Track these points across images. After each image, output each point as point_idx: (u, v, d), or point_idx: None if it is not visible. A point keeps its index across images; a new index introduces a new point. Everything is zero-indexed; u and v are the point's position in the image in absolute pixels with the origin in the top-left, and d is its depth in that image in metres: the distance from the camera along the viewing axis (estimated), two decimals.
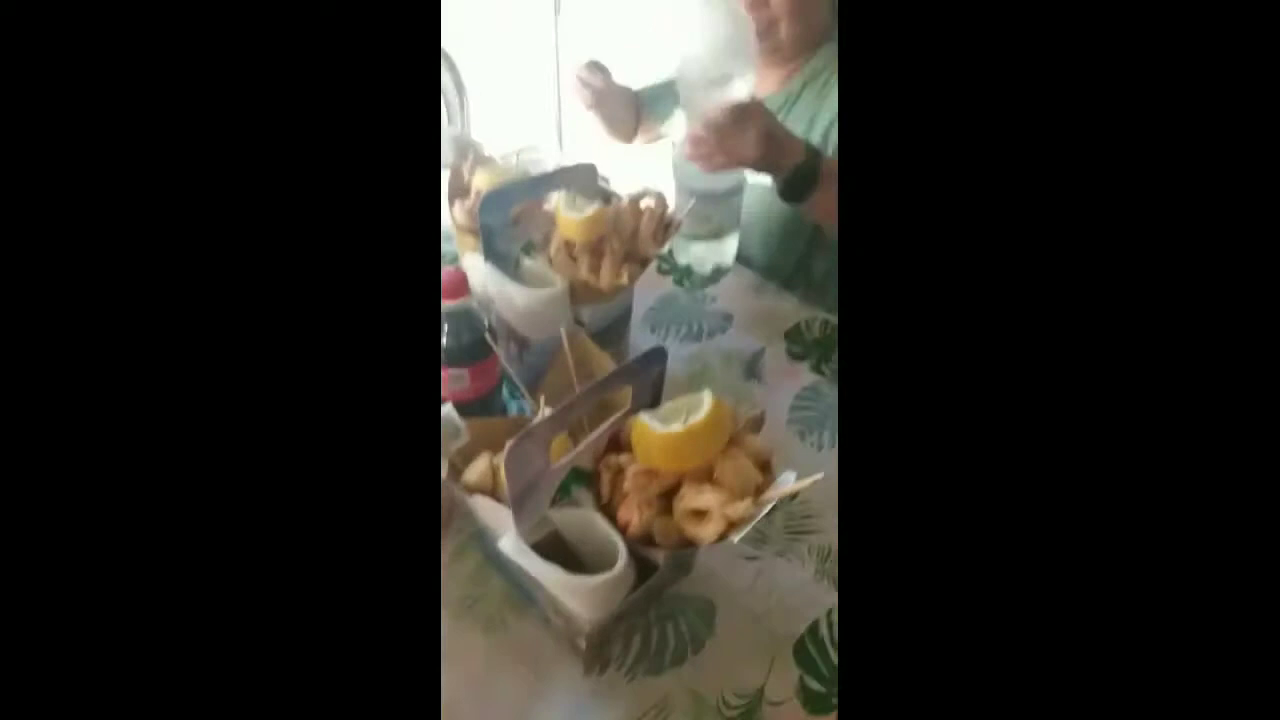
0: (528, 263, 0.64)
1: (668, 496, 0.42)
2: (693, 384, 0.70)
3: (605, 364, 0.54)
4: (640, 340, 0.75)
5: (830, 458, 0.64)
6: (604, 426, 0.46)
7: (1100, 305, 0.17)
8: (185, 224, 0.19)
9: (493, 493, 0.47)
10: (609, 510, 0.44)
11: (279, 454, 0.20)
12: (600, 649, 0.49)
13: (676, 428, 0.40)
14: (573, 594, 0.41)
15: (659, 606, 0.52)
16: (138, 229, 0.19)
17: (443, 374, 0.58)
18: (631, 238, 0.61)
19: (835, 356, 0.74)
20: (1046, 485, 0.17)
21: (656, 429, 0.41)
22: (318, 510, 0.20)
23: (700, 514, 0.40)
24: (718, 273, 0.81)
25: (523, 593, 0.51)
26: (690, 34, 0.63)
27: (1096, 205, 0.17)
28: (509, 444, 0.38)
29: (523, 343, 0.64)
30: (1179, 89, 0.16)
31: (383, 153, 0.21)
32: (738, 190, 0.75)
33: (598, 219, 0.60)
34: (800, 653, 0.50)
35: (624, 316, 0.68)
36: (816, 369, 0.72)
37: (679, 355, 0.74)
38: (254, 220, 0.20)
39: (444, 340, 0.56)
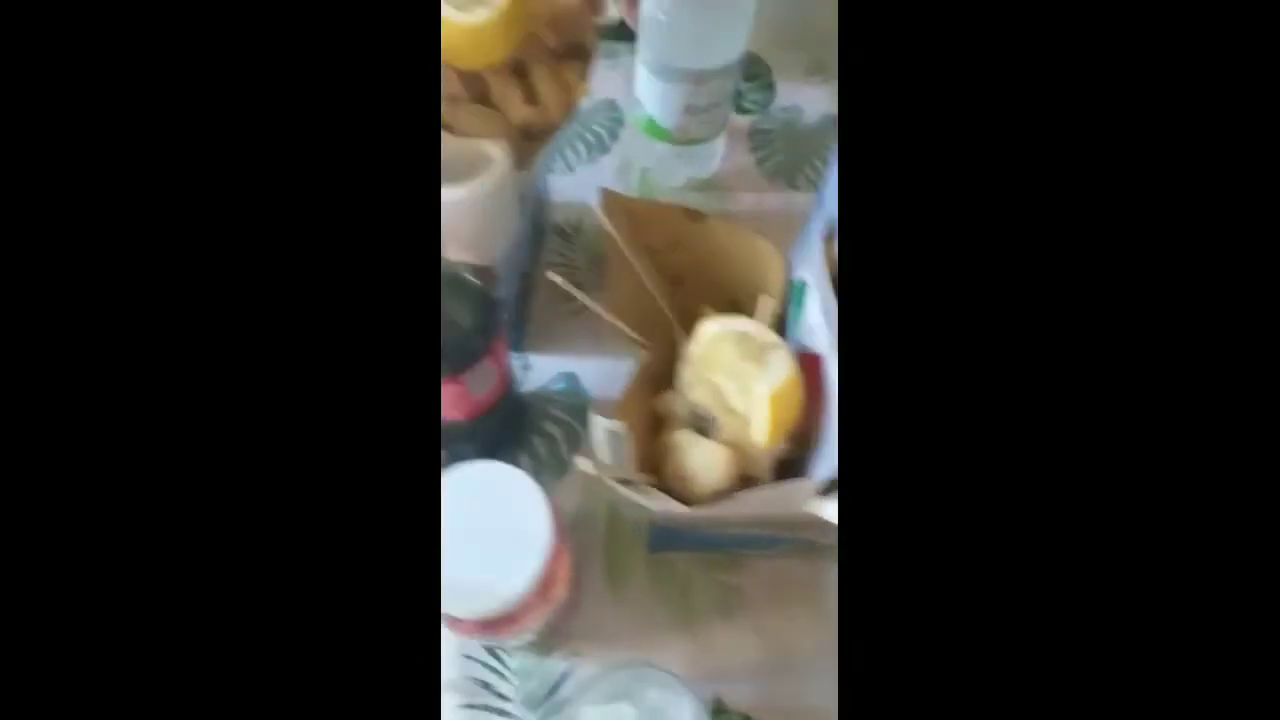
0: None
1: None
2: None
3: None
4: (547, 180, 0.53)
5: None
6: None
7: (1101, 306, 0.17)
8: (177, 213, 0.18)
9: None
10: None
11: (261, 464, 0.18)
12: None
13: None
14: None
15: None
16: (123, 210, 0.18)
17: (452, 389, 0.34)
18: (557, 22, 0.37)
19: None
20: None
21: None
22: (302, 531, 0.18)
23: None
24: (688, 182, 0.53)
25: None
26: None
27: (1096, 203, 0.17)
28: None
29: (484, 273, 0.39)
30: (1179, 88, 0.17)
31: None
32: (735, 66, 0.45)
33: (506, 12, 0.34)
34: None
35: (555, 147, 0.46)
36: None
37: (599, 179, 0.53)
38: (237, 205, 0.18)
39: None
